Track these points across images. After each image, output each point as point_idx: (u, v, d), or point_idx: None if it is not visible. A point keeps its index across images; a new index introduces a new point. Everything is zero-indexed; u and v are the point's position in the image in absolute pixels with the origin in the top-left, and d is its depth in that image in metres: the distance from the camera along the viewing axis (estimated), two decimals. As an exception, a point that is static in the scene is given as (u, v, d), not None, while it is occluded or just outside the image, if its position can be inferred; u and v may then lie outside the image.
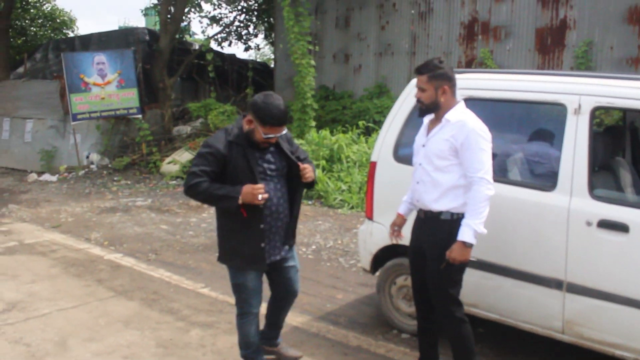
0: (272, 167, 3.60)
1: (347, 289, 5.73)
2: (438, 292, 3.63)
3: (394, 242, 4.10)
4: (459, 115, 3.52)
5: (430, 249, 3.62)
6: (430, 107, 3.61)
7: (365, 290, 5.67)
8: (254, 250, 3.57)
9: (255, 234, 3.54)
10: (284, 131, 3.57)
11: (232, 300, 5.24)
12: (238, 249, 3.59)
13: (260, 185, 3.42)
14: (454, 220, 3.53)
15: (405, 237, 4.43)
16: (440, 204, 3.56)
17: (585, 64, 10.34)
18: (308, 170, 3.62)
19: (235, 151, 3.48)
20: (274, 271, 3.79)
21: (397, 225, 4.01)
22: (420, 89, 3.61)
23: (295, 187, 3.70)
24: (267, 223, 3.58)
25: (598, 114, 6.79)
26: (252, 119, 3.49)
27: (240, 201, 3.38)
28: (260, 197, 3.39)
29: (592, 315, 3.66)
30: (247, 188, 3.38)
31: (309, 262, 6.56)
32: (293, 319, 4.94)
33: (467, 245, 3.44)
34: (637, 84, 3.69)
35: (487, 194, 3.43)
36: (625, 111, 4.87)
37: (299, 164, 3.64)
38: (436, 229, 3.59)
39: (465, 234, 3.43)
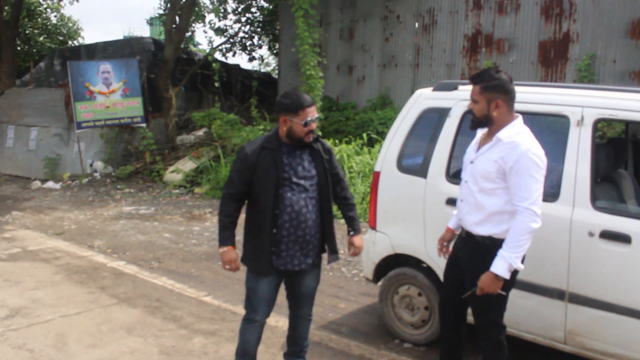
0: (300, 174, 3.56)
1: (349, 298, 5.74)
2: (480, 317, 3.49)
3: (443, 257, 3.83)
4: (513, 135, 3.25)
5: (470, 273, 3.43)
6: (482, 121, 3.36)
7: (367, 299, 5.68)
8: (263, 254, 3.57)
9: (267, 238, 3.54)
10: (317, 114, 3.56)
11: (234, 308, 5.29)
12: (253, 252, 3.64)
13: (235, 265, 3.63)
14: (497, 246, 3.28)
15: (411, 248, 4.46)
16: (482, 228, 3.36)
17: (588, 77, 10.37)
18: (357, 250, 3.87)
19: (264, 155, 3.53)
20: (289, 282, 3.78)
21: (446, 240, 3.79)
22: (473, 101, 3.37)
23: (326, 198, 3.66)
24: (286, 229, 3.54)
25: (600, 126, 6.82)
26: (285, 118, 3.52)
27: (220, 252, 3.62)
28: (227, 266, 3.63)
29: (594, 325, 3.67)
30: (231, 255, 3.60)
31: (311, 271, 6.57)
32: (295, 327, 4.96)
33: (499, 278, 3.23)
34: (639, 96, 3.72)
35: (531, 227, 3.19)
36: (627, 123, 4.90)
37: (350, 238, 3.85)
38: (477, 253, 3.40)
39: (499, 266, 3.22)
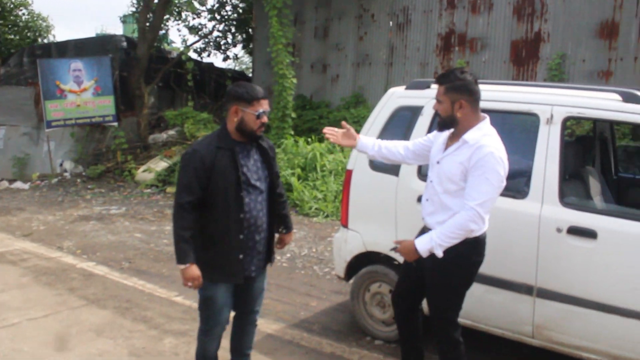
0: (255, 176, 3.45)
1: (321, 296, 5.73)
2: (437, 314, 3.50)
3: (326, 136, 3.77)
4: (479, 137, 3.22)
5: (432, 270, 3.42)
6: (447, 122, 3.33)
7: (339, 297, 5.68)
8: (232, 261, 3.40)
9: (234, 244, 3.39)
10: (269, 108, 3.45)
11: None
12: (215, 261, 3.40)
13: (199, 282, 3.36)
14: (459, 245, 3.28)
15: (383, 245, 4.46)
16: None
17: (558, 76, 10.51)
18: (285, 244, 3.82)
19: (221, 156, 3.34)
20: (241, 287, 3.60)
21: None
22: (438, 101, 3.35)
23: (272, 199, 3.58)
24: (245, 235, 3.41)
25: (569, 124, 6.92)
26: (237, 107, 3.36)
27: (181, 268, 3.34)
28: (190, 284, 3.36)
29: (561, 319, 3.72)
30: (194, 272, 3.32)
31: (283, 270, 6.55)
32: (267, 326, 4.93)
33: (417, 252, 3.31)
34: (606, 95, 3.77)
35: (469, 227, 3.20)
36: (595, 121, 4.97)
37: (282, 235, 3.78)
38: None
39: (423, 243, 3.29)
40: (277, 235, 3.75)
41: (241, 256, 3.41)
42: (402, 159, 3.81)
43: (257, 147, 3.52)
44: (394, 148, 3.78)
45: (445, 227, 3.24)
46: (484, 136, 3.23)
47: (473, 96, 3.28)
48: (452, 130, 3.40)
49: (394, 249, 3.50)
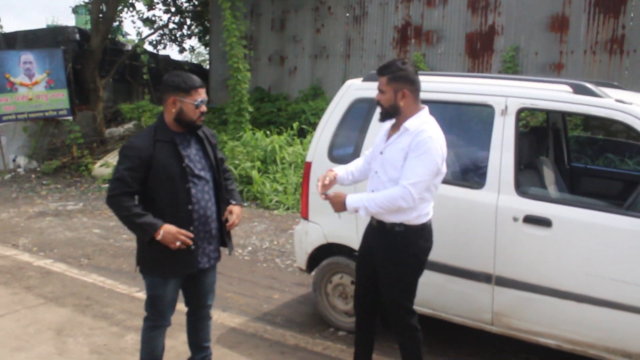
0: (199, 165, 3.40)
1: (283, 289, 5.75)
2: (391, 302, 3.55)
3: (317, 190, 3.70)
4: (420, 124, 3.33)
5: (383, 260, 3.51)
6: (390, 112, 3.42)
7: (301, 289, 5.71)
8: (184, 254, 3.33)
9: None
10: (206, 97, 3.40)
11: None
12: (166, 255, 3.31)
13: (188, 234, 3.27)
14: (408, 232, 3.40)
15: (344, 237, 4.51)
16: (394, 216, 3.40)
17: (512, 68, 10.73)
18: (234, 221, 3.53)
19: (160, 149, 3.27)
20: (191, 281, 3.56)
21: (328, 177, 3.69)
22: (380, 92, 3.43)
23: (220, 186, 3.53)
24: (196, 228, 3.36)
25: (524, 115, 7.08)
26: (174, 98, 3.28)
27: (158, 238, 3.21)
28: (179, 243, 3.25)
29: (519, 306, 3.83)
30: (171, 228, 3.22)
31: (245, 263, 6.55)
32: (230, 320, 4.94)
33: (345, 206, 3.42)
34: (559, 87, 3.89)
35: (398, 203, 3.28)
36: (548, 112, 5.11)
37: (230, 206, 3.55)
38: (389, 241, 3.46)
39: (353, 200, 3.40)
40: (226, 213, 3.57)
41: (193, 247, 3.37)
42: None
43: (196, 136, 3.47)
44: (361, 167, 3.81)
45: (377, 195, 3.34)
46: (424, 123, 3.35)
47: (414, 85, 3.38)
48: (393, 122, 3.48)
49: (325, 197, 3.53)
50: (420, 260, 3.52)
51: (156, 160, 3.25)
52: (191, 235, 3.31)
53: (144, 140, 3.30)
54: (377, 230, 3.52)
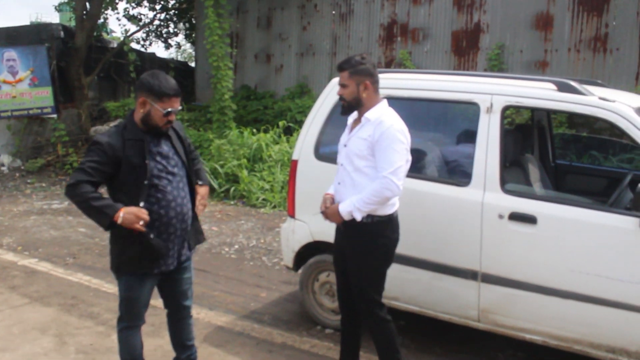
0: (172, 162, 3.33)
1: (270, 287, 5.75)
2: (360, 294, 3.62)
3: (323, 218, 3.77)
4: (379, 115, 3.48)
5: (351, 253, 3.60)
6: (353, 104, 3.55)
7: (288, 287, 5.71)
8: (160, 249, 3.29)
9: (164, 235, 3.31)
10: (179, 107, 3.33)
11: (153, 302, 5.15)
12: (145, 252, 3.25)
13: (145, 211, 3.15)
14: (375, 224, 3.49)
15: (330, 235, 4.51)
16: None
17: (497, 66, 10.79)
18: (202, 200, 3.49)
19: (130, 147, 3.19)
20: (167, 282, 3.51)
21: (328, 201, 3.74)
22: (342, 86, 3.56)
23: (190, 179, 3.47)
24: (172, 226, 3.30)
25: (509, 112, 7.13)
26: (145, 100, 3.20)
27: (119, 221, 3.10)
28: (142, 222, 3.14)
29: (505, 303, 3.86)
30: (131, 209, 3.12)
31: (232, 261, 6.54)
32: (217, 318, 4.93)
33: (340, 215, 3.50)
34: (543, 85, 3.92)
35: (384, 194, 3.38)
36: (532, 110, 5.14)
37: (196, 186, 3.49)
38: (357, 232, 3.53)
39: (345, 206, 3.47)
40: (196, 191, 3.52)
41: (170, 245, 3.34)
42: None
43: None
44: None
45: (364, 194, 3.42)
46: (384, 114, 3.49)
47: (374, 78, 3.54)
48: (355, 117, 3.61)
49: (323, 214, 3.66)
50: (388, 252, 3.61)
51: (126, 160, 3.17)
52: (146, 212, 3.17)
53: (115, 138, 3.20)
54: (346, 224, 3.58)
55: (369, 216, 3.48)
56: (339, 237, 3.76)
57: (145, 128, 3.27)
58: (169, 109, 3.23)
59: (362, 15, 12.53)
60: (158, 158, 3.28)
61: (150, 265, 3.33)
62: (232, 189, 9.66)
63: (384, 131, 3.40)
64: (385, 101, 3.61)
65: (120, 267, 3.38)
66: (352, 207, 3.44)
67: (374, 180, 3.42)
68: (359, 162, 3.50)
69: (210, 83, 11.54)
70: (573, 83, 3.77)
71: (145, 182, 3.21)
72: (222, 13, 11.39)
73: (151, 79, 3.22)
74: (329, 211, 3.59)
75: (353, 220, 3.50)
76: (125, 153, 3.18)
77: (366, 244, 3.53)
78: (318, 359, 4.29)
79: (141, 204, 3.19)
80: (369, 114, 3.51)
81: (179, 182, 3.36)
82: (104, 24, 17.78)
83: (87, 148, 3.23)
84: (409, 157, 3.54)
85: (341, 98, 3.60)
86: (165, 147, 3.35)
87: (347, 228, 3.59)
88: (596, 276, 3.56)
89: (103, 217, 3.13)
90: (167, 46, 19.38)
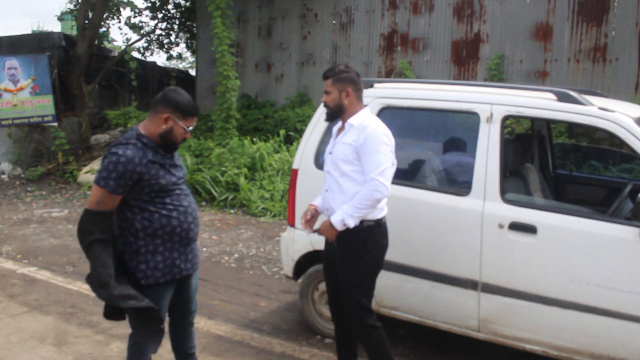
0: (180, 174, 3.38)
1: (270, 296, 5.74)
2: (349, 300, 3.62)
3: (303, 228, 3.81)
4: (362, 120, 3.55)
5: (341, 258, 3.61)
6: (335, 110, 3.63)
7: (288, 297, 5.70)
8: (187, 253, 3.37)
9: (186, 240, 3.34)
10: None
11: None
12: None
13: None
14: (364, 228, 3.51)
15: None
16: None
17: (497, 76, 10.82)
18: None
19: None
20: (179, 289, 3.49)
21: (309, 213, 3.80)
22: (326, 92, 3.65)
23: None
24: (192, 231, 3.38)
25: (509, 122, 7.14)
26: (169, 117, 3.20)
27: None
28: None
29: (505, 313, 3.84)
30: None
31: (231, 270, 6.53)
32: (217, 327, 4.92)
33: (333, 227, 3.51)
34: (543, 95, 3.93)
35: (374, 196, 3.41)
36: (532, 120, 5.16)
37: None
38: (346, 238, 3.54)
39: (336, 217, 3.49)
40: None
41: (188, 250, 3.40)
42: None
43: None
44: None
45: (354, 200, 3.47)
46: (366, 119, 3.57)
47: (357, 86, 3.64)
48: (339, 126, 3.69)
49: (315, 232, 3.69)
50: (377, 257, 3.62)
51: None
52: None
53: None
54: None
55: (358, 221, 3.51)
56: (328, 244, 3.78)
57: (161, 142, 3.27)
58: (190, 127, 3.30)
59: (363, 25, 12.59)
60: (172, 170, 3.33)
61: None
62: (232, 197, 9.66)
63: (368, 135, 3.46)
64: (368, 108, 3.69)
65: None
66: (344, 214, 3.47)
67: (361, 185, 3.46)
68: (345, 167, 3.55)
69: (217, 91, 11.56)
70: (573, 93, 3.78)
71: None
72: (227, 23, 11.44)
73: (178, 97, 3.23)
74: (321, 227, 3.61)
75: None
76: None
77: (356, 249, 3.54)
78: (317, 368, 4.28)
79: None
80: (352, 120, 3.58)
81: (187, 195, 3.41)
82: (106, 33, 17.84)
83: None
84: (395, 161, 3.59)
85: (325, 105, 3.69)
86: (173, 160, 3.40)
87: (338, 234, 3.58)
88: (596, 286, 3.55)
89: (96, 278, 3.30)
90: (169, 56, 19.44)
